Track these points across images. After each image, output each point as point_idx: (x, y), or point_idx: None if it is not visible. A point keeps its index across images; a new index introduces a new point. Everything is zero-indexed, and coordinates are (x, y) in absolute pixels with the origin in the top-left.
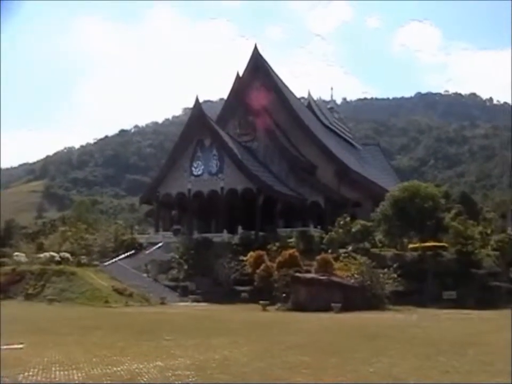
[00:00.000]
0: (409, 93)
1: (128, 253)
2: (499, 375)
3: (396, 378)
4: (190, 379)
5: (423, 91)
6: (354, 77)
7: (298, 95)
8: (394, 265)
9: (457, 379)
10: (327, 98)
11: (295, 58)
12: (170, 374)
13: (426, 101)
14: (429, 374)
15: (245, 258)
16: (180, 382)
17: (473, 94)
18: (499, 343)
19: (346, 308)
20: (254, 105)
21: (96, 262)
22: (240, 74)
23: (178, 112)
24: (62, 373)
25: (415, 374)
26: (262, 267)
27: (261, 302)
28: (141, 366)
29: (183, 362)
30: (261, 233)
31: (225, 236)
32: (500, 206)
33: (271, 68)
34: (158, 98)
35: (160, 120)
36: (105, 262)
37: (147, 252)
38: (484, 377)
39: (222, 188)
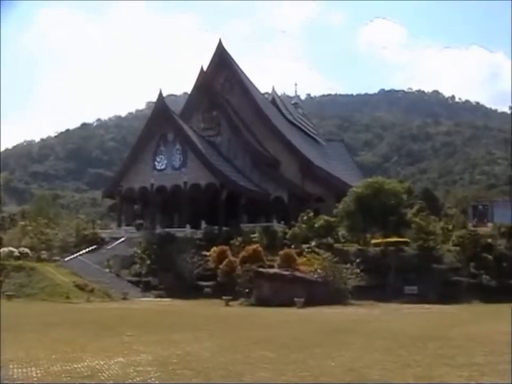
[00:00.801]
0: (373, 89)
1: (90, 248)
2: (460, 368)
3: (358, 372)
4: (152, 375)
5: (387, 88)
6: (318, 73)
7: (262, 90)
8: (357, 261)
9: (418, 372)
10: (291, 93)
11: (260, 53)
12: (131, 370)
13: (390, 97)
14: (391, 367)
15: (208, 253)
16: (141, 378)
17: (436, 92)
18: (460, 337)
19: (309, 303)
20: (218, 100)
21: (56, 257)
22: (205, 69)
23: (141, 106)
24: (20, 370)
25: (377, 367)
26: (225, 262)
27: (224, 297)
28: (102, 363)
29: (145, 358)
30: (224, 228)
31: (188, 230)
32: (461, 202)
33: (235, 63)
34: (121, 92)
35: (123, 114)
36: (66, 257)
37: (109, 246)
38: (444, 370)
39: (185, 183)
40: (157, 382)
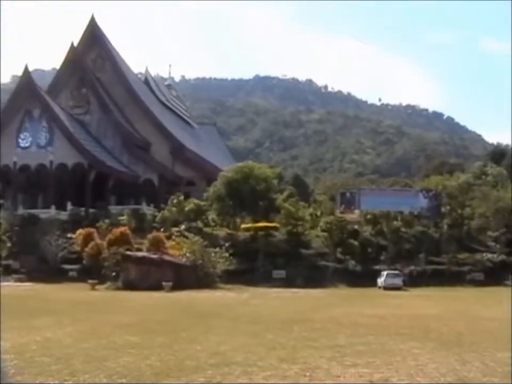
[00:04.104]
0: (248, 75)
1: None
2: (323, 350)
3: (223, 355)
4: (8, 363)
5: (262, 74)
6: (194, 55)
7: (136, 70)
8: (227, 245)
9: (282, 355)
10: (166, 75)
11: (134, 32)
12: None
13: (264, 84)
14: (256, 350)
15: (73, 235)
16: None
17: (310, 80)
18: (324, 320)
19: (177, 287)
20: (88, 77)
21: None
22: (76, 44)
23: (6, 79)
24: None
25: (242, 351)
26: (91, 245)
27: (90, 280)
28: None
29: (2, 346)
30: (91, 210)
31: (53, 212)
32: (330, 189)
33: (108, 40)
34: None
35: None
36: None
37: None
38: (308, 352)
39: (51, 162)
40: (12, 371)
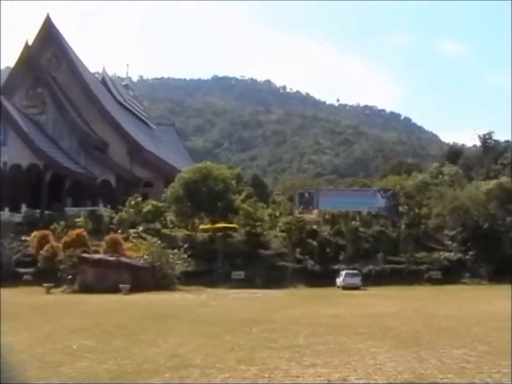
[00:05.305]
0: (206, 75)
1: None
2: (282, 350)
3: (182, 357)
4: None
5: (220, 74)
6: (151, 55)
7: (93, 70)
8: (185, 246)
9: (241, 356)
10: (123, 74)
11: (92, 32)
12: None
13: (223, 84)
14: (214, 352)
15: (28, 238)
16: None
17: (268, 81)
18: (284, 320)
19: (135, 289)
20: (44, 77)
21: None
22: (30, 43)
23: None
24: None
25: (201, 352)
26: (46, 247)
27: (45, 284)
28: None
29: None
30: (47, 212)
31: (6, 214)
32: (289, 189)
33: (64, 39)
34: None
35: None
36: None
37: None
38: (267, 353)
39: (4, 163)
40: None
